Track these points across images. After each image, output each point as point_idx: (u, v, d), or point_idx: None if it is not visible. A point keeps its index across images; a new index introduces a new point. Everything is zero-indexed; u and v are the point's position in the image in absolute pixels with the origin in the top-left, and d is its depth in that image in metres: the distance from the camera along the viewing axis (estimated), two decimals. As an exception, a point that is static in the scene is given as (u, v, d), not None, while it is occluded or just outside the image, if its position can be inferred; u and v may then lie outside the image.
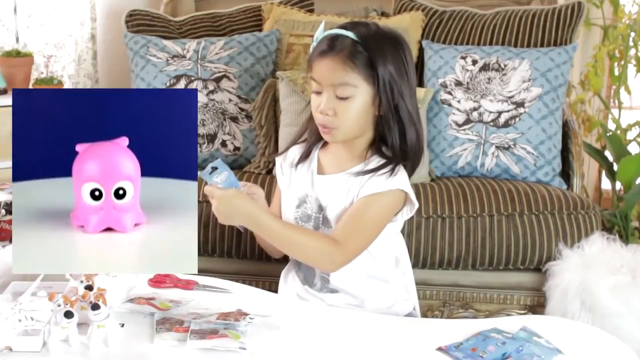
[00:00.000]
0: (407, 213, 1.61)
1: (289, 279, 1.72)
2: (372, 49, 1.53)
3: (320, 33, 1.59)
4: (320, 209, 1.62)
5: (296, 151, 1.70)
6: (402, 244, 1.69)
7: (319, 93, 1.56)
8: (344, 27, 1.57)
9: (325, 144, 1.67)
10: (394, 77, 1.54)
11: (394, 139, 1.58)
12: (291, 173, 1.70)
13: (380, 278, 1.64)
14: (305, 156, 1.68)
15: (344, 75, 1.52)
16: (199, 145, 2.42)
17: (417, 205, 1.60)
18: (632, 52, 3.08)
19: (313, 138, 1.67)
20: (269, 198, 2.15)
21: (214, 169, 1.51)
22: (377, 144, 1.62)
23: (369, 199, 1.55)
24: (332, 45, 1.53)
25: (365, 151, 1.62)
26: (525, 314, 2.18)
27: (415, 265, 2.06)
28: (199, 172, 1.53)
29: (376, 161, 1.60)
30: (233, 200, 1.48)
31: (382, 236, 1.59)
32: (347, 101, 1.53)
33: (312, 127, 1.65)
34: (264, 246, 1.76)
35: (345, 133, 1.57)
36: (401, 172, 1.58)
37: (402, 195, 1.57)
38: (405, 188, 1.56)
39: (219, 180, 1.50)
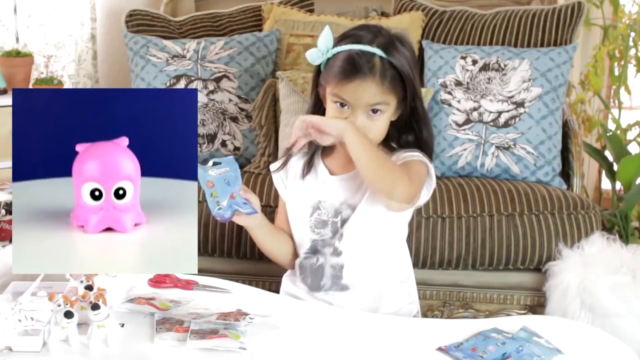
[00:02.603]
0: (424, 196, 1.62)
1: (288, 284, 1.71)
2: (398, 63, 1.54)
3: (328, 40, 1.56)
4: (337, 212, 1.61)
5: (297, 163, 1.69)
6: (405, 250, 1.71)
7: (342, 106, 1.55)
8: (359, 40, 1.54)
9: (326, 149, 1.66)
10: (414, 82, 1.57)
11: (407, 138, 1.62)
12: (297, 185, 1.68)
13: (391, 278, 1.65)
14: (309, 166, 1.67)
15: (381, 96, 1.53)
16: (199, 145, 2.42)
17: (434, 184, 1.62)
18: (632, 52, 3.07)
19: (314, 146, 1.65)
20: (268, 197, 2.16)
21: (216, 163, 1.51)
22: (385, 142, 1.64)
23: (407, 161, 1.57)
24: (361, 65, 1.51)
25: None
26: (525, 314, 2.18)
27: (415, 265, 2.05)
28: (199, 166, 1.53)
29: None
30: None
31: (394, 234, 1.63)
32: (377, 116, 1.55)
33: None
34: (267, 249, 1.71)
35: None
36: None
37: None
38: (427, 162, 1.60)
39: (214, 174, 1.50)
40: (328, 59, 1.57)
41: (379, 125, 1.56)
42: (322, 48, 1.57)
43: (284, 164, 1.70)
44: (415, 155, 1.59)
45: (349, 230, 1.60)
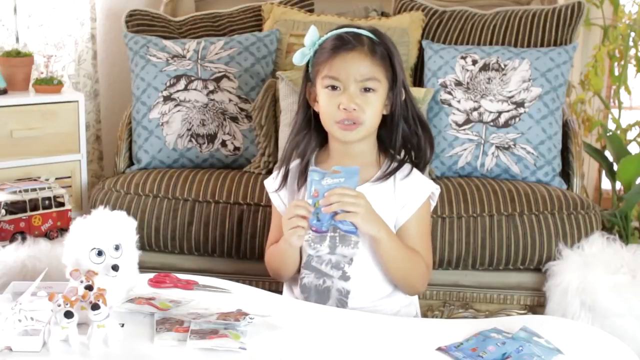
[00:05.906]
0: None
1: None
2: (386, 44, 1.57)
3: (315, 35, 1.58)
4: (336, 227, 1.57)
5: (293, 176, 1.66)
6: None
7: (333, 90, 1.55)
8: (347, 26, 1.59)
9: (320, 155, 1.65)
10: (403, 73, 1.59)
11: (398, 139, 1.61)
12: (294, 197, 1.65)
13: (393, 292, 1.64)
14: (303, 177, 1.62)
15: (371, 68, 1.54)
16: (199, 145, 2.42)
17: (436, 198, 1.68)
18: (632, 52, 3.07)
19: (308, 153, 1.64)
20: (268, 198, 2.15)
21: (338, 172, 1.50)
22: (383, 147, 1.64)
23: (418, 214, 1.61)
24: (349, 40, 1.54)
25: (377, 157, 1.63)
26: (525, 314, 2.18)
27: (415, 265, 2.06)
28: (316, 169, 1.52)
29: (388, 165, 1.62)
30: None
31: None
32: (371, 95, 1.55)
33: (309, 142, 1.63)
34: (287, 263, 1.65)
35: (368, 128, 1.57)
36: (422, 175, 1.65)
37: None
38: (434, 189, 1.64)
39: (325, 183, 1.49)
40: (315, 52, 1.59)
41: (373, 105, 1.55)
42: (309, 43, 1.59)
43: (283, 181, 1.67)
44: (425, 191, 1.62)
45: (359, 256, 1.56)
